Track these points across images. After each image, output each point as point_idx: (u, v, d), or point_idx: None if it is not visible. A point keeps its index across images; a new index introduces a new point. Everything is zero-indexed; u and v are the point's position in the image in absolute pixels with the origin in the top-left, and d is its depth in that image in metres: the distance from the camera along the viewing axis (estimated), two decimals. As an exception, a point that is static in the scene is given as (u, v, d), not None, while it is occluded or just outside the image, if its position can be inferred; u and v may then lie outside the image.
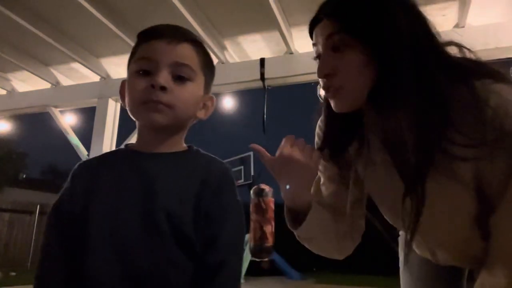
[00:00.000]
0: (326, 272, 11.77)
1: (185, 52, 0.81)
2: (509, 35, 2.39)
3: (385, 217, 0.97)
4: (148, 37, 0.82)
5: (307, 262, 11.99)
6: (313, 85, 3.29)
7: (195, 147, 0.88)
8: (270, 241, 2.40)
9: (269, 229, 2.40)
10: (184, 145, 0.87)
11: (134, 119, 0.83)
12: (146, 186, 0.77)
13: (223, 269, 0.73)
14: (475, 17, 2.46)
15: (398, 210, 0.81)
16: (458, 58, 0.80)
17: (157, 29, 0.83)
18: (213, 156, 0.86)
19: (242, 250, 0.79)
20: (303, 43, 2.86)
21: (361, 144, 0.90)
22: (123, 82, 0.86)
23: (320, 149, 0.94)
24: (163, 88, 0.76)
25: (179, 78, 0.79)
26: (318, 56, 0.85)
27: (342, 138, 0.91)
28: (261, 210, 2.64)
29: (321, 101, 0.96)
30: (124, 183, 0.78)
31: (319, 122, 1.01)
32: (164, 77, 0.77)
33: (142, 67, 0.79)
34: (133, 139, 3.31)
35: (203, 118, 0.88)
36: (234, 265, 0.76)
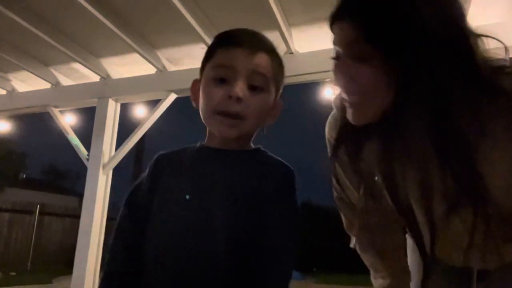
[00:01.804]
0: (326, 272, 11.77)
1: (262, 62, 0.82)
2: (509, 35, 2.38)
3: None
4: (227, 43, 0.83)
5: (307, 262, 11.99)
6: (314, 85, 3.29)
7: (262, 149, 0.90)
8: None
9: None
10: (252, 146, 0.90)
11: (205, 124, 0.86)
12: (215, 181, 0.80)
13: (274, 273, 0.76)
14: (475, 17, 2.45)
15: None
16: (496, 66, 0.74)
17: (237, 35, 0.86)
18: (279, 159, 0.87)
19: (293, 256, 0.81)
20: (303, 43, 2.86)
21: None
22: (196, 81, 0.88)
23: (334, 156, 0.90)
24: (239, 99, 0.78)
25: (254, 88, 0.81)
26: (337, 57, 0.76)
27: (357, 141, 0.85)
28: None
29: (333, 107, 0.93)
30: (196, 178, 0.82)
31: (329, 130, 0.98)
32: (241, 88, 0.78)
33: (220, 74, 0.81)
34: (133, 139, 3.31)
35: (270, 123, 0.91)
36: (284, 270, 0.80)
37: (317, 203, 14.53)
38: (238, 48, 0.81)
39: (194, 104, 0.89)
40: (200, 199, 0.79)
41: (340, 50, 0.74)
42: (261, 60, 0.82)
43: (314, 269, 12.17)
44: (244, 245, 0.75)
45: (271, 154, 0.88)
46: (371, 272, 1.04)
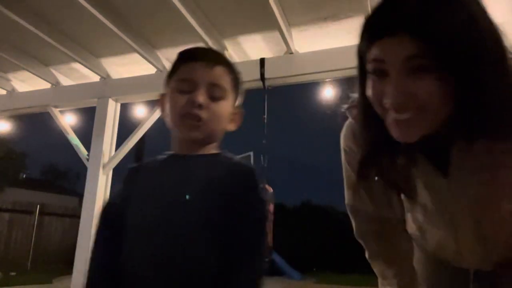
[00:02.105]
0: (326, 272, 11.77)
1: (219, 74, 0.93)
2: (509, 35, 2.39)
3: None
4: (188, 59, 0.94)
5: (307, 262, 11.99)
6: (314, 85, 3.29)
7: (225, 153, 0.97)
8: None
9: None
10: (214, 149, 0.97)
11: (172, 130, 0.95)
12: (180, 185, 0.88)
13: (243, 267, 0.81)
14: (475, 17, 2.46)
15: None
16: None
17: (196, 52, 0.97)
18: (240, 160, 0.95)
19: (262, 249, 0.85)
20: (303, 43, 2.86)
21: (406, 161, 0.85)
22: (163, 95, 0.98)
23: (361, 175, 0.89)
24: (200, 106, 0.88)
25: (214, 97, 0.90)
26: (382, 73, 0.71)
27: (391, 157, 0.84)
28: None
29: (351, 119, 0.95)
30: (163, 184, 0.90)
31: (345, 140, 0.99)
32: (202, 96, 0.89)
33: (183, 87, 0.91)
34: (133, 139, 3.32)
35: (232, 129, 0.99)
36: (254, 263, 0.83)
37: (317, 203, 14.56)
38: (198, 63, 0.92)
39: (162, 115, 0.99)
40: (170, 203, 0.86)
41: (388, 66, 0.70)
42: (219, 72, 0.92)
43: (314, 269, 12.16)
44: (215, 243, 0.81)
45: (233, 156, 0.95)
46: (379, 280, 1.06)
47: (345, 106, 0.95)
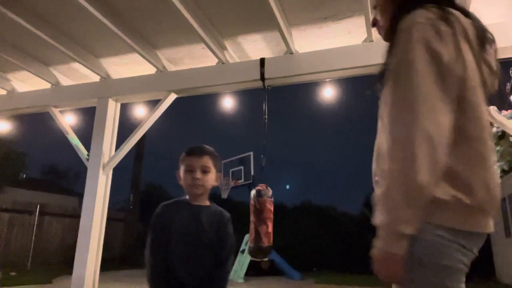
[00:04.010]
0: (326, 272, 11.77)
1: (206, 160, 1.75)
2: (509, 35, 2.39)
3: None
4: (189, 153, 1.77)
5: (307, 262, 12.00)
6: (314, 85, 3.28)
7: (213, 203, 1.83)
8: (265, 242, 2.42)
9: (264, 229, 2.43)
10: (208, 202, 1.81)
11: (185, 189, 1.77)
12: (195, 222, 1.72)
13: (222, 266, 1.73)
14: (475, 17, 2.45)
15: None
16: None
17: (194, 149, 1.78)
18: (221, 208, 1.82)
19: (232, 258, 1.77)
20: (303, 43, 2.86)
21: None
22: (177, 170, 1.79)
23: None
24: (198, 180, 1.72)
25: (204, 172, 1.74)
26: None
27: None
28: (256, 211, 2.65)
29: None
30: (188, 221, 1.72)
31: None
32: (198, 175, 1.73)
33: (188, 169, 1.74)
34: (133, 139, 3.31)
35: (215, 185, 1.81)
36: (228, 265, 1.75)
37: (317, 203, 14.57)
38: (194, 156, 1.76)
39: (178, 181, 1.78)
40: (191, 231, 1.70)
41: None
42: (206, 160, 1.75)
43: (314, 269, 12.17)
44: (212, 253, 1.71)
45: (216, 205, 1.81)
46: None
47: None
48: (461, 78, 0.97)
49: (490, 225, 1.01)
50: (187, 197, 1.78)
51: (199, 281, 1.65)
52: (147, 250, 1.68)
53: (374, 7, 1.26)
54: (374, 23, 1.27)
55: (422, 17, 0.98)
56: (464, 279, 0.98)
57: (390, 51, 1.07)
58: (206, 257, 1.67)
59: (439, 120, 0.93)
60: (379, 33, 1.26)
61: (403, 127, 0.94)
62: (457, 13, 1.04)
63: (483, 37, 1.08)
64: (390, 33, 1.08)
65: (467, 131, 0.98)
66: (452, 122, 0.95)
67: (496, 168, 1.04)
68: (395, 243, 0.92)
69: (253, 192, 2.42)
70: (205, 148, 1.78)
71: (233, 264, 1.70)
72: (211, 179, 1.75)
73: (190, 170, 1.71)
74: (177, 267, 1.63)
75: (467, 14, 1.10)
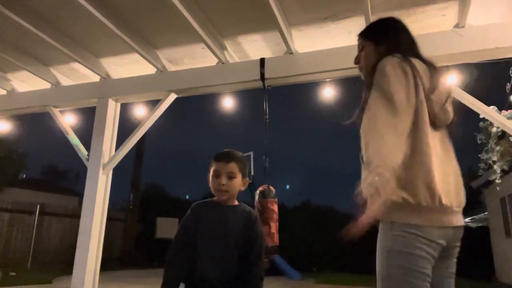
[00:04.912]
0: (326, 272, 11.77)
1: (232, 166, 1.76)
2: (509, 35, 2.39)
3: None
4: (217, 159, 1.78)
5: (307, 262, 11.99)
6: (314, 85, 3.28)
7: (241, 202, 1.84)
8: (268, 242, 2.43)
9: (267, 229, 2.45)
10: (236, 202, 1.83)
11: (213, 193, 1.79)
12: (223, 222, 1.74)
13: (253, 267, 1.70)
14: (475, 17, 2.46)
15: None
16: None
17: (222, 155, 1.79)
18: (249, 208, 1.84)
19: (263, 258, 1.75)
20: (303, 43, 2.86)
21: None
22: (209, 175, 1.80)
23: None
24: (223, 185, 1.73)
25: (230, 178, 1.75)
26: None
27: None
28: (259, 211, 2.66)
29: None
30: (214, 221, 1.75)
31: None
32: (224, 180, 1.74)
33: (215, 174, 1.76)
34: (133, 139, 3.30)
35: (243, 189, 1.81)
36: (260, 265, 1.73)
37: (317, 203, 14.56)
38: (221, 161, 1.77)
39: (208, 184, 1.80)
40: (220, 232, 1.72)
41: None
42: (232, 165, 1.76)
43: (314, 269, 12.16)
44: (239, 254, 1.71)
45: (245, 205, 1.82)
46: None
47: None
48: (417, 106, 1.30)
49: (448, 219, 1.26)
50: (216, 198, 1.82)
51: (230, 285, 1.66)
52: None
53: (360, 51, 1.63)
54: (357, 62, 1.65)
55: (392, 60, 1.36)
56: (429, 265, 1.23)
57: (368, 88, 1.40)
58: (233, 258, 1.67)
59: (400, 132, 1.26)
60: (360, 71, 1.64)
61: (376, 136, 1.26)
62: (415, 60, 1.39)
63: (436, 79, 1.40)
64: (370, 74, 1.42)
65: (414, 144, 1.28)
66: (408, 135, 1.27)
67: (438, 171, 1.27)
68: (386, 186, 1.13)
69: (258, 192, 2.45)
70: (232, 154, 1.79)
71: (263, 267, 1.90)
72: (237, 184, 1.77)
73: (217, 176, 1.74)
74: (205, 269, 1.66)
75: (424, 60, 1.44)
